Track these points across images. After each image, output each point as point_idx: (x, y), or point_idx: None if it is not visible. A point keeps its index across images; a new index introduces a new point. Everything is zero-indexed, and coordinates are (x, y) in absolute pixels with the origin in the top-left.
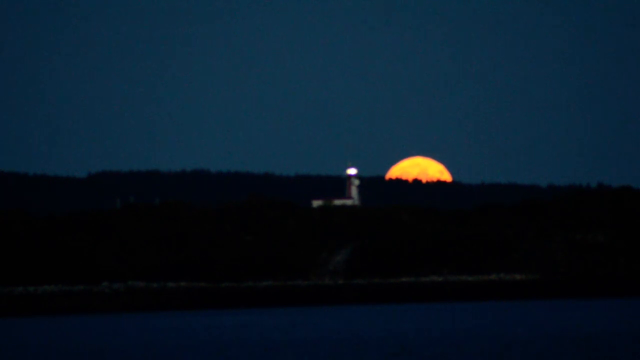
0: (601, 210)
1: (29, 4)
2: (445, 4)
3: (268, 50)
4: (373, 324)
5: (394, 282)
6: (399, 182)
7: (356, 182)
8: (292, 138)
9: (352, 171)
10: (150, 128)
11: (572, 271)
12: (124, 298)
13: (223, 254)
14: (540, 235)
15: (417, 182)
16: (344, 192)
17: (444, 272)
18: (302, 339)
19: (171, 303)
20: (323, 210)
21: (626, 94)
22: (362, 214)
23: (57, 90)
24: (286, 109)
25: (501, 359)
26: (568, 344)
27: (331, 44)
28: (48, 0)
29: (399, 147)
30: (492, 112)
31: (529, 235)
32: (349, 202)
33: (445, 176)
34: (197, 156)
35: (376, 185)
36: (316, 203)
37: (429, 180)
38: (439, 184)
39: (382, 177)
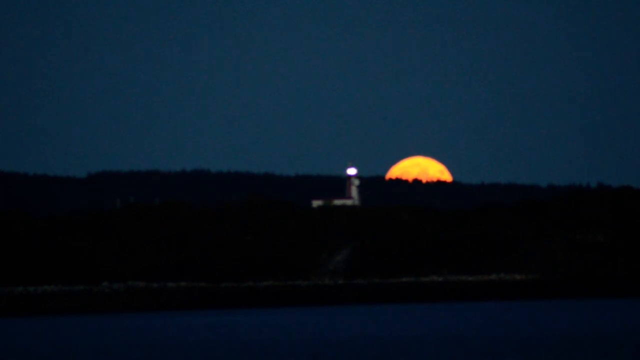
0: (601, 210)
1: (29, 4)
2: (445, 3)
3: (268, 50)
4: (373, 324)
5: (394, 282)
6: (399, 182)
7: (356, 182)
8: (292, 138)
9: (352, 171)
10: (150, 128)
11: (572, 271)
12: (124, 298)
13: (223, 254)
14: (540, 235)
15: (417, 182)
16: (344, 192)
17: (444, 272)
18: (302, 339)
19: (171, 303)
20: (323, 210)
21: (626, 94)
22: (362, 214)
23: (57, 90)
24: (286, 109)
25: (501, 358)
26: (568, 344)
27: (331, 44)
28: (48, 0)
29: (399, 147)
30: (492, 112)
31: (529, 235)
32: (349, 202)
33: (446, 176)
34: (197, 156)
35: (376, 185)
36: (316, 203)
37: (429, 180)
38: (439, 184)
39: (382, 177)
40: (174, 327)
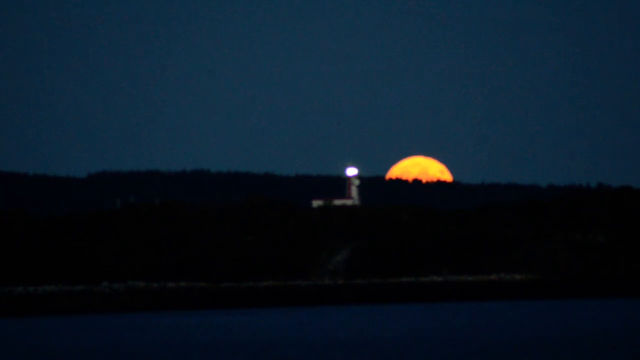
0: (601, 210)
1: (29, 4)
2: (446, 3)
3: (268, 50)
4: (373, 324)
5: (394, 282)
6: (399, 182)
7: (356, 182)
8: (292, 138)
9: (352, 171)
10: (150, 128)
11: (572, 271)
12: (124, 298)
13: (223, 254)
14: (540, 235)
15: (417, 182)
16: (344, 192)
17: (444, 272)
18: (301, 339)
19: (171, 303)
20: (323, 210)
21: (626, 94)
22: (362, 214)
23: (57, 90)
24: (286, 109)
25: (501, 358)
26: (568, 344)
27: (331, 44)
28: (48, 0)
29: (399, 147)
30: (492, 112)
31: (529, 235)
32: (349, 202)
33: (446, 176)
34: (197, 156)
35: (376, 185)
36: (316, 203)
37: (429, 180)
38: (439, 183)
39: (382, 177)
40: (174, 328)
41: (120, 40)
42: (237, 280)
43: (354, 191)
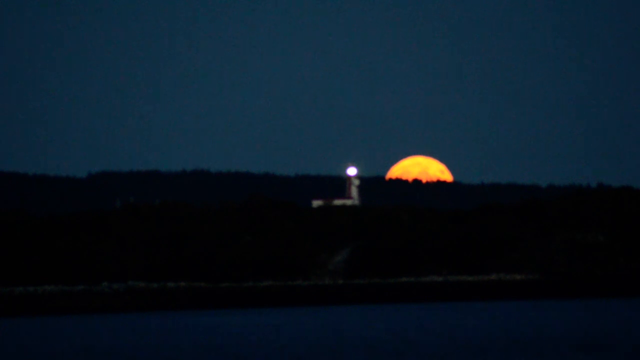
0: (601, 210)
1: (29, 3)
2: (446, 3)
3: (268, 49)
4: (373, 324)
5: (394, 282)
6: (399, 182)
7: (356, 182)
8: (292, 138)
9: (352, 171)
10: (150, 128)
11: (572, 271)
12: (124, 298)
13: (223, 254)
14: (540, 235)
15: (417, 182)
16: (344, 192)
17: (444, 272)
18: (301, 339)
19: (171, 303)
20: (323, 210)
21: (626, 94)
22: (362, 214)
23: (57, 90)
24: (286, 109)
25: (501, 359)
26: (568, 344)
27: (331, 44)
28: (48, 0)
29: (399, 146)
30: (492, 112)
31: (529, 235)
32: (349, 202)
33: (446, 176)
34: (197, 156)
35: (376, 185)
36: (316, 203)
37: (429, 180)
38: (439, 183)
39: (382, 177)
40: (174, 328)
41: (120, 40)
42: (237, 280)
43: (354, 191)
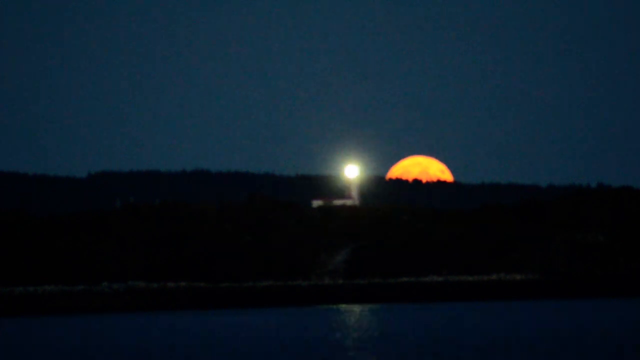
0: (601, 210)
1: (29, 3)
2: (446, 3)
3: (268, 49)
4: (373, 324)
5: (394, 282)
6: (399, 182)
7: (356, 182)
8: (292, 138)
9: (352, 171)
10: (150, 128)
11: (572, 271)
12: (124, 298)
13: (223, 254)
14: (540, 235)
15: (417, 182)
16: (344, 192)
17: (444, 272)
18: (301, 339)
19: (171, 303)
20: (323, 210)
21: (626, 94)
22: (362, 214)
23: (57, 89)
24: (286, 108)
25: (501, 358)
26: (568, 343)
27: (331, 43)
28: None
29: (399, 146)
30: (492, 112)
31: (529, 235)
32: (349, 202)
33: (447, 175)
34: (197, 156)
35: (376, 185)
36: (316, 203)
37: (429, 180)
38: (439, 183)
39: (382, 177)
40: (174, 328)
41: (120, 40)
42: (237, 280)
43: (354, 191)
